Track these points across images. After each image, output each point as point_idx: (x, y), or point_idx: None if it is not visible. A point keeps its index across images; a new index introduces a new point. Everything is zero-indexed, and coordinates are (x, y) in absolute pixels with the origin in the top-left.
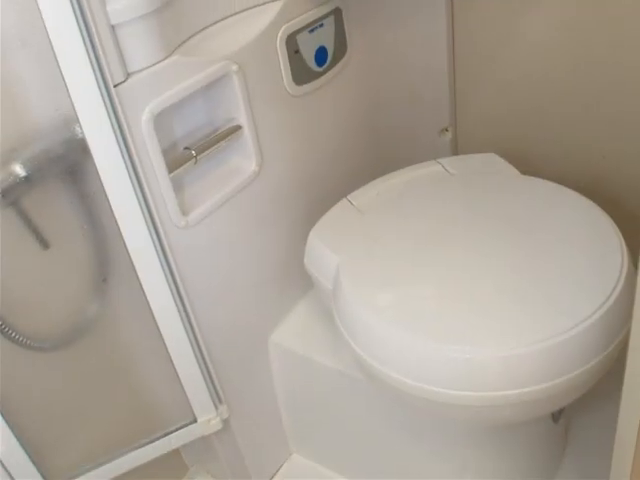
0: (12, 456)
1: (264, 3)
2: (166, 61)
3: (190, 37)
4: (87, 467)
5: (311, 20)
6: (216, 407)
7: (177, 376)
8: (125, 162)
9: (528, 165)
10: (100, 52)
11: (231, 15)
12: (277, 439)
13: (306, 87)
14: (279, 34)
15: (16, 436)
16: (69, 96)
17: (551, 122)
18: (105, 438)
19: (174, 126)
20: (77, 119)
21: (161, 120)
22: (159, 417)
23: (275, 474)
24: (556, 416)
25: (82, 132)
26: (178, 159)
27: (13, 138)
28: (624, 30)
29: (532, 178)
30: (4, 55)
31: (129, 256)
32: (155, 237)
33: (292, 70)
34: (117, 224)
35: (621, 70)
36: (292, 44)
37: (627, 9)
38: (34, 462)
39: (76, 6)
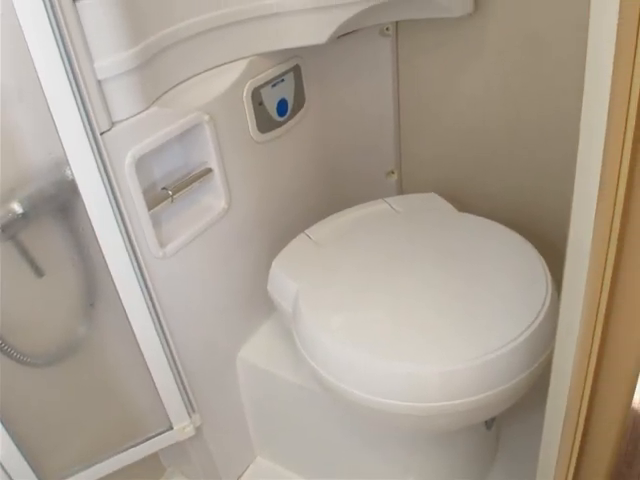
0: (11, 459)
1: (232, 61)
2: (146, 112)
3: (167, 91)
4: (77, 469)
5: (273, 76)
6: (190, 416)
7: (155, 389)
8: (110, 201)
9: (464, 203)
10: (88, 104)
11: (203, 72)
12: (244, 444)
13: (269, 135)
14: (245, 88)
15: (14, 441)
16: (60, 142)
17: (485, 166)
18: (93, 443)
19: (153, 169)
20: (68, 163)
21: (142, 163)
22: (140, 425)
23: (242, 475)
24: (489, 424)
25: (72, 174)
26: (157, 198)
27: (11, 179)
28: (550, 86)
29: (468, 215)
30: (3, 106)
31: (113, 283)
32: (136, 267)
33: (257, 120)
34: (103, 255)
35: (546, 120)
36: (257, 97)
37: (553, 68)
38: (30, 464)
39: (67, 63)
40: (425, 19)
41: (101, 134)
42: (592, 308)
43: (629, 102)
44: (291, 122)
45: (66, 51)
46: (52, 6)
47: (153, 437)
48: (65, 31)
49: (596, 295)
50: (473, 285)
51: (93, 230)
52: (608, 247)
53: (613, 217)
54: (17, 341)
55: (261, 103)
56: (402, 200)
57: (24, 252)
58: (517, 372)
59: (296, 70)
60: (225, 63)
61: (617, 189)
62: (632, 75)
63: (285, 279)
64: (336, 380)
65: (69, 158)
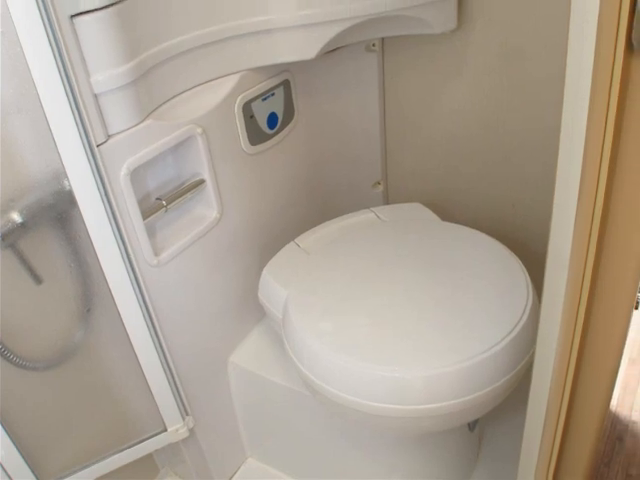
0: (10, 459)
1: (224, 76)
2: (141, 125)
3: (161, 104)
4: (74, 469)
5: (264, 90)
6: (183, 418)
7: (150, 392)
8: (106, 210)
9: (448, 213)
10: (85, 117)
11: (196, 86)
12: (235, 445)
13: (260, 147)
14: (237, 102)
15: (14, 442)
16: (58, 154)
17: (468, 176)
18: (90, 444)
19: (148, 179)
20: (65, 174)
21: (137, 175)
22: (135, 426)
23: (233, 475)
24: (472, 426)
25: (70, 185)
26: (151, 208)
27: (11, 190)
28: (532, 100)
29: (451, 224)
30: (3, 119)
31: (109, 290)
32: (131, 274)
33: (248, 132)
34: (99, 263)
35: (527, 133)
36: (248, 110)
37: (534, 82)
38: (29, 465)
39: (64, 77)
40: (410, 35)
41: (97, 146)
42: (571, 313)
43: (607, 114)
44: (281, 135)
45: (63, 66)
46: (50, 22)
47: (148, 439)
48: (62, 46)
49: (575, 300)
50: (456, 291)
51: (90, 239)
52: (587, 254)
53: (592, 225)
54: (16, 346)
55: (252, 116)
56: (388, 210)
57: (23, 260)
58: (499, 376)
59: (286, 84)
60: (217, 78)
61: (595, 198)
62: (610, 88)
63: (275, 286)
64: (323, 383)
65: (67, 169)
